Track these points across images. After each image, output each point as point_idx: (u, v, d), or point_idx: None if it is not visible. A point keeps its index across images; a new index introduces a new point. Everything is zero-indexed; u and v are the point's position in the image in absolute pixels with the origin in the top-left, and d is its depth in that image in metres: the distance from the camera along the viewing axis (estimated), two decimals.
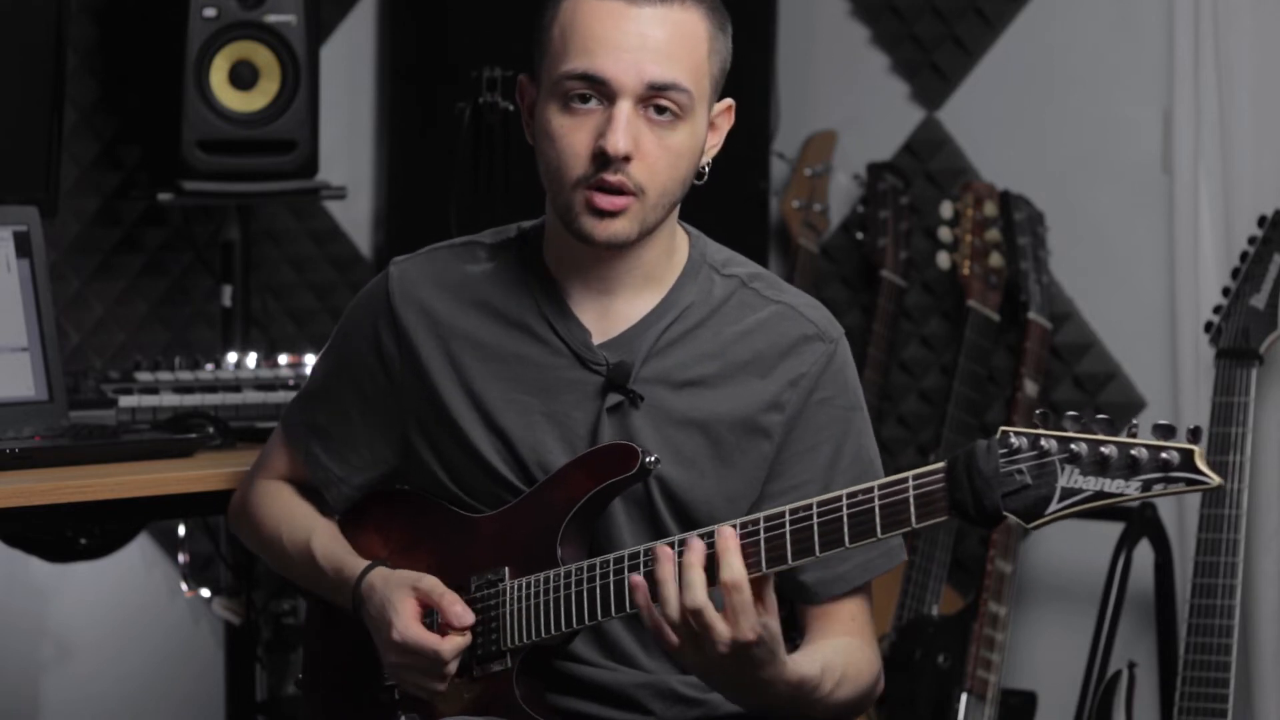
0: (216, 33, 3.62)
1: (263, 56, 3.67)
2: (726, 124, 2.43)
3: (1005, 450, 2.11)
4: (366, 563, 2.49)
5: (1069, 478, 2.09)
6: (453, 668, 2.39)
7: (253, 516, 2.65)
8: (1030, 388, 4.00)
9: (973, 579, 4.02)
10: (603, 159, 2.31)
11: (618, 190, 2.33)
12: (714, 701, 2.44)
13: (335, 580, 2.51)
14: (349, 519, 2.59)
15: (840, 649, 2.39)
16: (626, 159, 2.32)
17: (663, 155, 2.34)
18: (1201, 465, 2.05)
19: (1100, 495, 2.08)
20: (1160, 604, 3.88)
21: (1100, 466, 2.07)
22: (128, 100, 3.86)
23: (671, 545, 2.26)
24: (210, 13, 3.61)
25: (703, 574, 2.21)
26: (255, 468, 2.69)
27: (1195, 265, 3.85)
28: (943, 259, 4.13)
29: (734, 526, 2.23)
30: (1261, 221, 3.59)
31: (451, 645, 2.39)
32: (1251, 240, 3.59)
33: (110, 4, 3.84)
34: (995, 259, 4.06)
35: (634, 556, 2.30)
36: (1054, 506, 2.10)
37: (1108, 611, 3.75)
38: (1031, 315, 4.03)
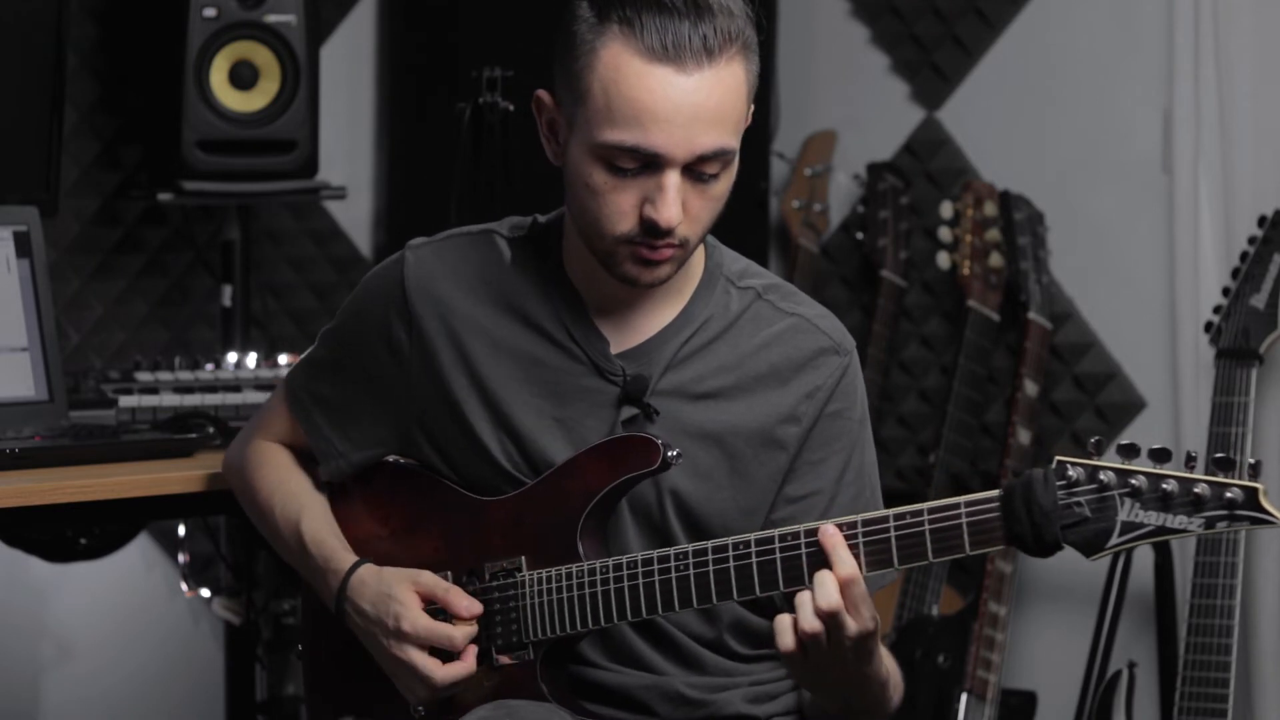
0: (216, 33, 3.62)
1: (263, 56, 3.67)
2: (745, 126, 2.39)
3: (1063, 482, 2.12)
4: (355, 558, 2.49)
5: (1129, 512, 2.09)
6: (470, 663, 2.40)
7: (248, 478, 2.64)
8: (1030, 388, 4.00)
9: (973, 579, 4.02)
10: (652, 227, 2.29)
11: (665, 245, 2.32)
12: (718, 703, 2.44)
13: (322, 568, 2.50)
14: (347, 492, 2.58)
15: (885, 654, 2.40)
16: None
17: (706, 206, 2.33)
18: (1267, 504, 2.04)
19: (1162, 531, 2.07)
20: (1160, 604, 3.88)
21: (1163, 502, 2.07)
22: (128, 100, 3.86)
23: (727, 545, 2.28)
24: (210, 13, 3.61)
25: (832, 577, 2.20)
26: (254, 424, 2.68)
27: (1195, 265, 3.85)
28: (943, 259, 4.13)
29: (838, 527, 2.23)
30: (1261, 221, 3.59)
31: (464, 634, 2.39)
32: (1251, 240, 3.59)
33: (110, 4, 3.84)
34: (995, 259, 4.06)
35: (664, 559, 2.30)
36: (1114, 540, 2.10)
37: (1108, 611, 3.74)
38: (1031, 315, 4.03)
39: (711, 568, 2.28)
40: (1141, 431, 4.01)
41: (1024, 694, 4.02)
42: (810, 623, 2.19)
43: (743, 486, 2.42)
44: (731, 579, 2.27)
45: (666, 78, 2.26)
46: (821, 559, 2.22)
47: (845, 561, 2.20)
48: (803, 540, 2.24)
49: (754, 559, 2.26)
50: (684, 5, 2.26)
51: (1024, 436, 3.98)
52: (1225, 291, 3.61)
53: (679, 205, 2.29)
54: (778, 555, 2.26)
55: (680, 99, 2.26)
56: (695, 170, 2.29)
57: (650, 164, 2.28)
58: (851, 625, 2.20)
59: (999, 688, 3.92)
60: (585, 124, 2.30)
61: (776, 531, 2.27)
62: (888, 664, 2.34)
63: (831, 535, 2.22)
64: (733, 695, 2.45)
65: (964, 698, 3.89)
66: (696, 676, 2.44)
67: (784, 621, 2.22)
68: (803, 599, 2.21)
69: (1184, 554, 3.80)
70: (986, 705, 3.90)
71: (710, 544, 2.29)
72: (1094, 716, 3.64)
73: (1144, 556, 3.82)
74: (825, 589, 2.19)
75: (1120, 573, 3.75)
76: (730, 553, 2.27)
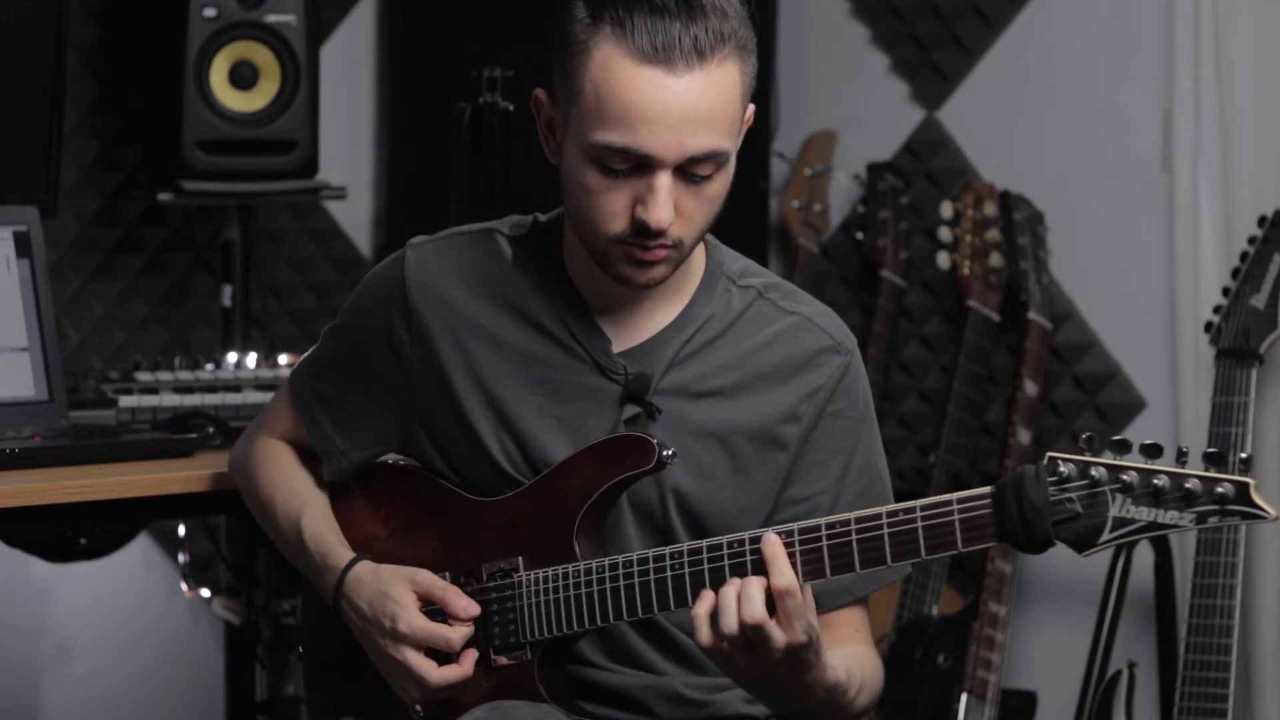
0: (216, 33, 3.62)
1: (263, 56, 3.68)
2: (746, 126, 2.38)
3: (1054, 478, 2.12)
4: (352, 554, 2.49)
5: (1120, 507, 2.09)
6: (467, 667, 2.40)
7: (251, 475, 2.65)
8: (1030, 388, 4.00)
9: (973, 579, 4.02)
10: (643, 228, 2.29)
11: (658, 246, 2.32)
12: (718, 703, 2.44)
13: (319, 564, 2.51)
14: (347, 492, 2.58)
15: (856, 656, 2.39)
16: None
17: (700, 206, 2.32)
18: (1258, 499, 2.04)
19: (1154, 526, 2.07)
20: (1160, 604, 3.88)
21: (1154, 497, 2.07)
22: (128, 100, 3.86)
23: (703, 549, 2.27)
24: (210, 13, 3.61)
25: (762, 587, 2.20)
26: (260, 422, 2.69)
27: (1195, 265, 3.85)
28: (943, 259, 4.13)
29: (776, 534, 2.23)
30: (1261, 221, 3.59)
31: (461, 635, 2.39)
32: (1251, 240, 3.59)
33: (110, 4, 3.84)
34: (995, 259, 4.06)
35: (659, 559, 2.30)
36: (1106, 536, 2.10)
37: (1108, 611, 3.74)
38: (1031, 315, 4.03)
39: (706, 566, 2.28)
40: (1142, 432, 4.00)
41: (1024, 694, 4.02)
42: (729, 625, 2.19)
43: (744, 485, 2.42)
44: (726, 578, 2.27)
45: (656, 79, 2.25)
46: (819, 556, 2.22)
47: (782, 573, 2.20)
48: (797, 539, 2.24)
49: (747, 557, 2.26)
50: (675, 6, 2.25)
51: (1024, 436, 3.98)
52: (1225, 291, 3.61)
53: (670, 206, 2.28)
54: None
55: (670, 100, 2.25)
56: (687, 172, 2.29)
57: (641, 165, 2.28)
58: (779, 637, 2.19)
59: (999, 688, 3.92)
60: (578, 124, 2.30)
61: (771, 529, 2.26)
62: (849, 666, 2.32)
63: (772, 545, 2.21)
64: (732, 695, 2.45)
65: (964, 698, 3.89)
66: (696, 676, 2.44)
67: (701, 615, 2.21)
68: (727, 599, 2.20)
69: (1184, 554, 3.80)
70: (986, 705, 3.90)
71: (705, 543, 2.29)
72: (1094, 716, 3.64)
73: (1144, 556, 3.82)
74: (750, 601, 2.19)
75: (1120, 573, 3.75)
76: (725, 550, 2.27)
